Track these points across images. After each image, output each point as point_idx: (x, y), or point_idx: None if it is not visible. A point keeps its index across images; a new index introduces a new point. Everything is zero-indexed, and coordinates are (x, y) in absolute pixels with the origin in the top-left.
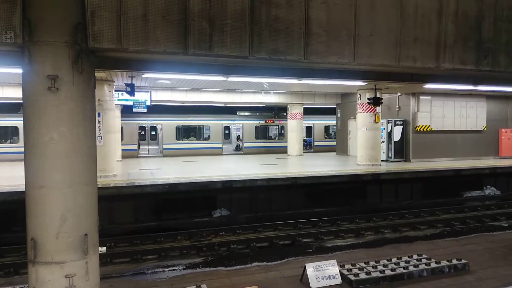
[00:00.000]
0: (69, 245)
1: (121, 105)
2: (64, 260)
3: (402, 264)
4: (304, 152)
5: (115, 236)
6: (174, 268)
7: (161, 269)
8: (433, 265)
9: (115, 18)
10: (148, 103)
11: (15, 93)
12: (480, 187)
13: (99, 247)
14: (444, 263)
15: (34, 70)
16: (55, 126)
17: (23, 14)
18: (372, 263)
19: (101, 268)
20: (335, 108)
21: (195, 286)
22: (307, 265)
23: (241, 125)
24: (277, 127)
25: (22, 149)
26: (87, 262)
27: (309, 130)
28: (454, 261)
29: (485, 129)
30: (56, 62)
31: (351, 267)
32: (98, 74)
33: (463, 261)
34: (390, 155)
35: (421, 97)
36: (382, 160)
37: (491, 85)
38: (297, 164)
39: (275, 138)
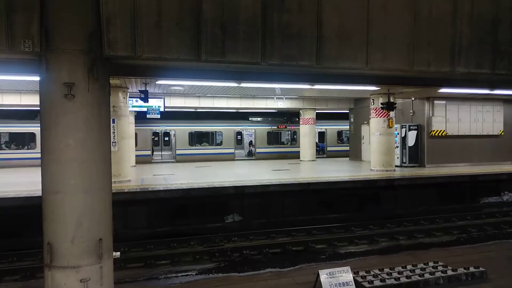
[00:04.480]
0: (84, 249)
1: (135, 111)
2: (79, 264)
3: (418, 271)
4: (316, 157)
5: (129, 241)
6: (187, 273)
7: (174, 275)
8: (449, 272)
9: (129, 26)
10: (162, 109)
11: (32, 100)
12: (498, 193)
13: (113, 252)
14: (461, 270)
15: (51, 77)
16: (71, 132)
17: (41, 23)
18: (386, 270)
19: (115, 272)
20: (348, 113)
21: None
22: (320, 271)
23: (253, 131)
24: (289, 133)
25: (39, 155)
26: (102, 266)
27: (321, 135)
28: (472, 269)
29: (502, 133)
30: (72, 70)
31: (365, 274)
32: (113, 81)
33: (481, 268)
34: (404, 161)
35: (435, 102)
36: (396, 166)
37: (508, 89)
38: (309, 169)
39: (287, 143)
